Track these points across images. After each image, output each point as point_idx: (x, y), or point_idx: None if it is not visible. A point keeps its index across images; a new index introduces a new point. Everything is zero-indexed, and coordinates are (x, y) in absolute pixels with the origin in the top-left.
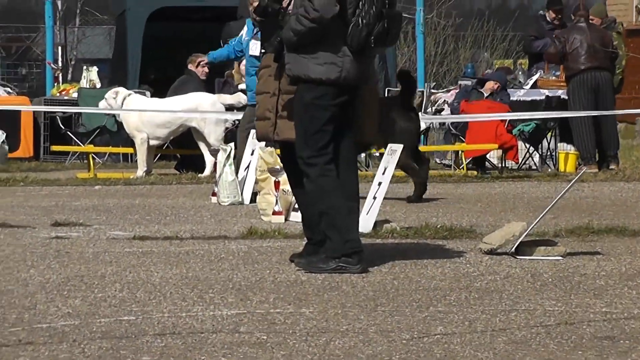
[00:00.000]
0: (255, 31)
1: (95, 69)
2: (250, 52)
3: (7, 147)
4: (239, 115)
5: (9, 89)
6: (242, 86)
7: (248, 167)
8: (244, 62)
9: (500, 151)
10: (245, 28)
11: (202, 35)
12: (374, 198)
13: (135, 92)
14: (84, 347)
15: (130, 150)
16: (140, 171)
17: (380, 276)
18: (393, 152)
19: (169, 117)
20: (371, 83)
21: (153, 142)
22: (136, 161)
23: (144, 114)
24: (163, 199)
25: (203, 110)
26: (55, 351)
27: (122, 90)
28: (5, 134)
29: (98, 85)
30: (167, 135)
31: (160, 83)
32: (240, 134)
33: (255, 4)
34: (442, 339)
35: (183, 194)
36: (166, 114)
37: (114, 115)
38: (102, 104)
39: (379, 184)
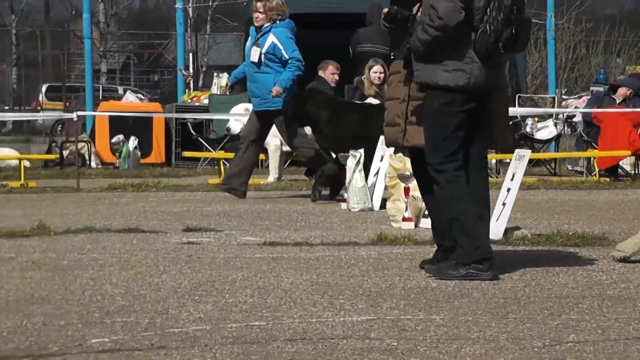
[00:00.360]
0: (257, 37)
1: (225, 75)
2: (251, 59)
3: (139, 153)
4: None
5: (141, 96)
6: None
7: (377, 173)
8: (374, 68)
9: (633, 158)
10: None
11: (334, 42)
12: (504, 204)
13: None
14: (215, 352)
15: (261, 156)
16: (272, 177)
17: (511, 283)
18: (521, 158)
19: None
20: (501, 89)
21: (286, 148)
22: (266, 167)
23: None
24: (293, 205)
25: None
26: (187, 355)
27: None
28: (137, 140)
29: (229, 92)
30: None
31: None
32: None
33: (258, 14)
34: (574, 347)
35: None
36: None
37: None
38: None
39: (508, 190)
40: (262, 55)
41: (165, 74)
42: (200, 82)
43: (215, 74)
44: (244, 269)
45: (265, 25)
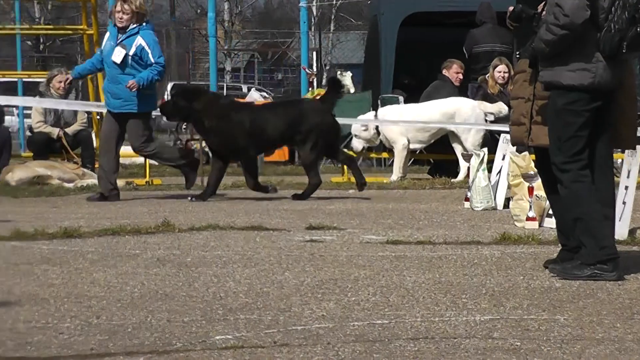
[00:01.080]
0: (118, 38)
1: (349, 74)
2: (113, 58)
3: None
4: (497, 127)
5: (264, 94)
6: (494, 93)
7: (500, 172)
8: (498, 67)
9: None
10: (107, 34)
11: (455, 40)
12: (624, 203)
13: (388, 97)
14: (338, 350)
15: (384, 155)
16: (395, 176)
17: (637, 284)
18: (633, 154)
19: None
20: (628, 86)
21: (415, 146)
22: (389, 166)
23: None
24: (416, 204)
25: (463, 115)
26: (310, 353)
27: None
28: None
29: (352, 90)
30: (428, 139)
31: (412, 88)
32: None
33: (123, 14)
34: None
35: (436, 198)
36: (425, 118)
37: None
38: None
39: (626, 187)
40: (129, 57)
41: (289, 72)
42: (324, 81)
43: (338, 72)
44: (367, 268)
45: (131, 27)
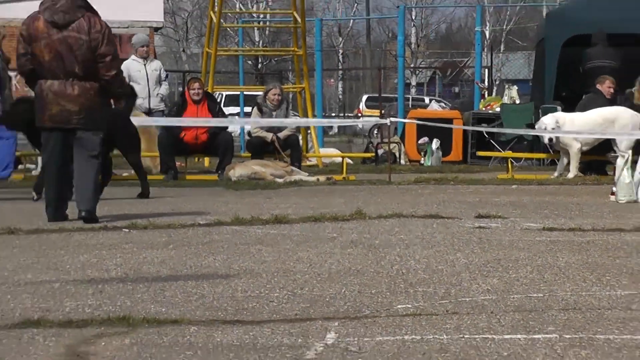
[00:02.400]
0: None
1: (515, 87)
2: None
3: (441, 153)
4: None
5: (443, 104)
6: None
7: None
8: None
9: None
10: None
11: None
12: None
13: (548, 107)
14: (500, 318)
15: (542, 155)
16: (572, 174)
17: None
18: None
19: (595, 127)
20: None
21: (585, 148)
22: (550, 164)
23: (579, 125)
24: (569, 197)
25: (622, 121)
26: (476, 320)
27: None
28: (439, 142)
29: (517, 102)
30: (594, 142)
31: (569, 99)
32: None
33: None
34: None
35: (586, 192)
36: (589, 124)
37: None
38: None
39: None
40: None
41: (465, 86)
42: (494, 93)
43: (506, 86)
44: (525, 250)
45: None
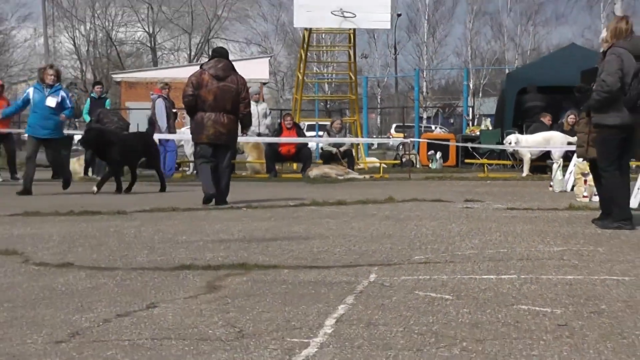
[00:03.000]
0: (47, 92)
1: (489, 119)
2: (47, 104)
3: (442, 160)
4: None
5: (443, 130)
6: None
7: (571, 171)
8: (570, 115)
9: None
10: (32, 89)
11: (547, 103)
12: (638, 189)
13: (509, 131)
14: (479, 265)
15: (506, 162)
16: (525, 173)
17: None
18: None
19: (540, 144)
20: None
21: (533, 157)
22: (511, 167)
23: (530, 142)
24: (523, 188)
25: (556, 141)
26: (464, 266)
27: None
28: (441, 153)
29: (490, 128)
30: (538, 153)
31: (519, 127)
32: None
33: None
34: None
35: (534, 185)
36: (537, 142)
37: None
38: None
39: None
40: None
41: (457, 118)
42: (475, 123)
43: (483, 119)
44: (495, 222)
45: (56, 85)
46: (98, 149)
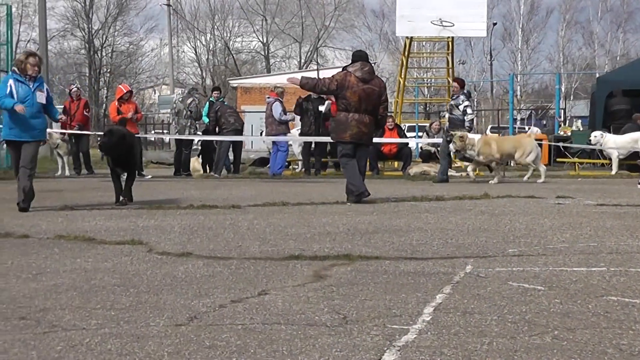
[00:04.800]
0: (32, 85)
1: (579, 121)
2: (39, 101)
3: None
4: None
5: (536, 131)
6: None
7: None
8: None
9: None
10: (12, 81)
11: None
12: None
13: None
14: (570, 258)
15: (596, 160)
16: (614, 171)
17: None
18: None
19: (629, 144)
20: None
21: (621, 156)
22: (600, 166)
23: (619, 142)
24: (613, 185)
25: None
26: (556, 259)
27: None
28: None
29: (580, 129)
30: (627, 152)
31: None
32: None
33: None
34: None
35: (623, 183)
36: (625, 141)
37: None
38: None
39: None
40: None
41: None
42: (567, 124)
43: (574, 120)
44: (586, 217)
45: (39, 77)
46: (120, 154)
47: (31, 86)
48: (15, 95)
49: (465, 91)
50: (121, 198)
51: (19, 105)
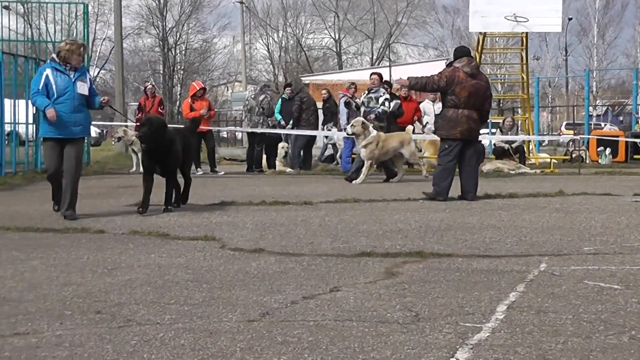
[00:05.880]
0: (72, 75)
1: None
2: (80, 92)
3: (611, 156)
4: None
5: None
6: None
7: None
8: None
9: None
10: (49, 70)
11: None
12: None
13: None
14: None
15: None
16: None
17: None
18: None
19: None
20: None
21: None
22: None
23: None
24: None
25: None
26: (633, 257)
27: None
28: (610, 149)
29: None
30: None
31: None
32: None
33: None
34: None
35: None
36: None
37: None
38: None
39: None
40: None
41: (626, 116)
42: None
43: None
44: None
45: (81, 66)
46: (157, 148)
47: (72, 76)
48: (53, 87)
49: (385, 86)
50: (163, 207)
51: (51, 110)
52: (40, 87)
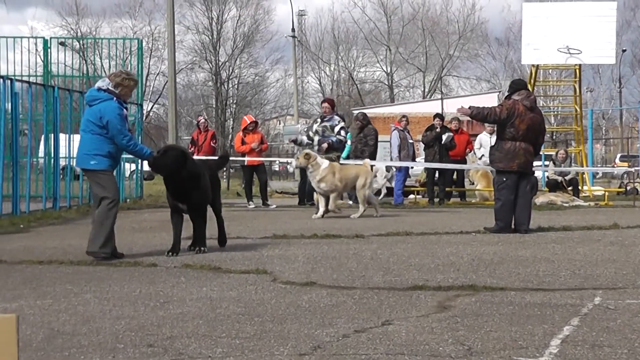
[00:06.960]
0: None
1: None
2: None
3: None
4: None
5: None
6: None
7: None
8: None
9: None
10: (118, 107)
11: None
12: None
13: None
14: None
15: None
16: None
17: None
18: None
19: None
20: None
21: None
22: None
23: None
24: None
25: None
26: None
27: None
28: None
29: None
30: None
31: None
32: None
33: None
34: None
35: None
36: None
37: None
38: None
39: None
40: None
41: None
42: None
43: None
44: None
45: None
46: (180, 181)
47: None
48: (126, 126)
49: (338, 112)
50: (195, 248)
51: (150, 158)
52: (120, 125)
